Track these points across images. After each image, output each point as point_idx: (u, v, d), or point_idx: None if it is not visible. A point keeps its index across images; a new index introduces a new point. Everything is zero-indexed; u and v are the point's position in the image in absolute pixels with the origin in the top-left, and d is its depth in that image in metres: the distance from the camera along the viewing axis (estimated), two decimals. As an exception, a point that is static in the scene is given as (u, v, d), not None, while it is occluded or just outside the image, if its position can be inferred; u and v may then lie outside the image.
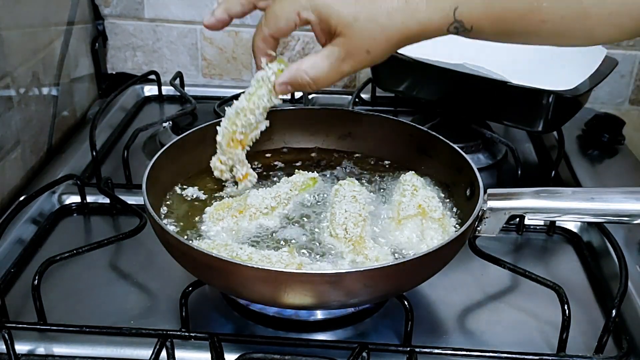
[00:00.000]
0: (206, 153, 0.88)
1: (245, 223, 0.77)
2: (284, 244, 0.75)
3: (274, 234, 0.76)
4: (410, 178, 0.83)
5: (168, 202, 0.82)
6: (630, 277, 0.77)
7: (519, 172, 0.99)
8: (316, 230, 0.77)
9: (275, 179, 0.87)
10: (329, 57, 0.67)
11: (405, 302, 0.70)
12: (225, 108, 0.79)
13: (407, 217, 0.76)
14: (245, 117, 0.76)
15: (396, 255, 0.74)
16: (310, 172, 0.86)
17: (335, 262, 0.72)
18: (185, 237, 0.75)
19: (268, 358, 0.65)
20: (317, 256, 0.73)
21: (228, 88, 1.33)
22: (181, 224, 0.78)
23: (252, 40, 0.72)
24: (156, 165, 0.78)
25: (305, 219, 0.79)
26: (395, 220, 0.77)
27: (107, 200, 0.94)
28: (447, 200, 0.83)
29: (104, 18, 1.35)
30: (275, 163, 0.92)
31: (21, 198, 0.88)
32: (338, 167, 0.91)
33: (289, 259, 0.69)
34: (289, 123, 0.95)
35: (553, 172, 1.03)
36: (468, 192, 0.79)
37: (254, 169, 0.86)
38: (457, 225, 0.78)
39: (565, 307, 0.70)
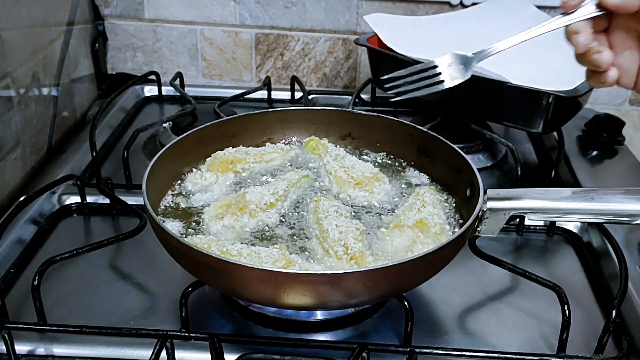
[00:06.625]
0: (206, 153, 0.88)
1: (246, 220, 0.77)
2: (281, 240, 0.75)
3: (273, 231, 0.77)
4: (423, 192, 0.81)
5: (168, 202, 0.82)
6: (630, 277, 0.77)
7: (519, 172, 0.99)
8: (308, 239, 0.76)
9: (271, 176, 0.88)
10: None
11: (405, 303, 0.70)
12: None
13: (401, 226, 0.76)
14: None
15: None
16: (302, 170, 0.88)
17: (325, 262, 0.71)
18: (184, 236, 0.76)
19: (268, 358, 0.65)
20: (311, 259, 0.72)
21: (228, 88, 1.33)
22: (181, 224, 0.78)
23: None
24: (156, 165, 0.78)
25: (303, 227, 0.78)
26: (389, 228, 0.77)
27: (107, 201, 0.94)
28: (452, 218, 0.80)
29: (104, 18, 1.35)
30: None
31: (21, 198, 0.88)
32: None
33: (278, 255, 0.69)
34: (289, 123, 0.95)
35: (553, 173, 1.03)
36: (468, 193, 0.79)
37: (253, 169, 0.87)
38: None
39: (565, 308, 0.70)
